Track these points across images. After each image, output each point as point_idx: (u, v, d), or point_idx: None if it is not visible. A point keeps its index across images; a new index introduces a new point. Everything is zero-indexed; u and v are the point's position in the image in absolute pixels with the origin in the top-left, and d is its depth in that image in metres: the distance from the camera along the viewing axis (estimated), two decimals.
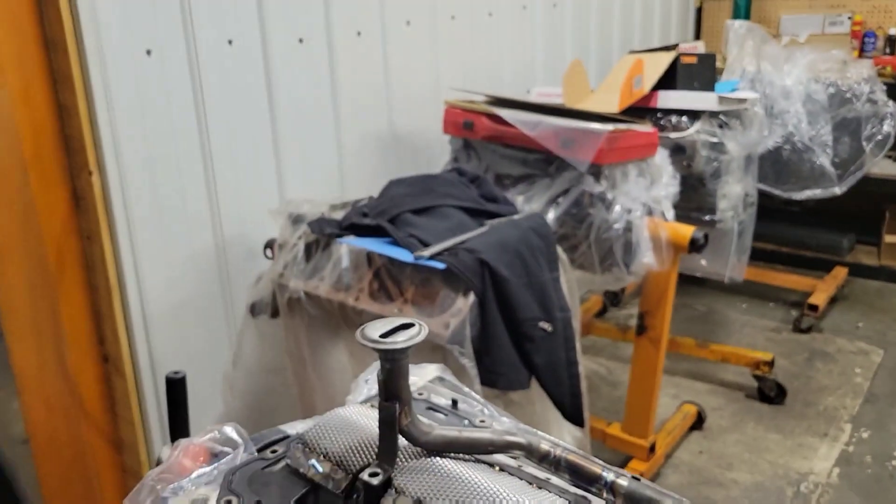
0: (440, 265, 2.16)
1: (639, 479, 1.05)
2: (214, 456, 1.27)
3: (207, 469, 1.21)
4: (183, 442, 1.25)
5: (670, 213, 3.10)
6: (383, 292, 2.31)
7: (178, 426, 1.52)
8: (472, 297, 2.15)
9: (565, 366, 2.24)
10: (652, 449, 3.26)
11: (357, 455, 1.11)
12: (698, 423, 3.65)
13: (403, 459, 1.10)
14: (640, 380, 3.23)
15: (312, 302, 2.42)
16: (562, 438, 2.36)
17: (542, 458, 1.10)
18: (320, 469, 1.11)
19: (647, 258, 2.97)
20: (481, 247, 2.21)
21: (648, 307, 3.18)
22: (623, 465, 3.21)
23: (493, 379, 2.16)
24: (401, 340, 1.03)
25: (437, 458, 1.10)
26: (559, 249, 2.45)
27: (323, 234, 2.43)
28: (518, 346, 2.20)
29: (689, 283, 4.91)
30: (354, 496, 1.07)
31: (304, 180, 3.11)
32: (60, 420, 2.63)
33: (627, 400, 3.29)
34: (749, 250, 3.67)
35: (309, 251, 2.50)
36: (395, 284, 2.30)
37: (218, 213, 2.80)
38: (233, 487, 1.10)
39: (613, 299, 4.88)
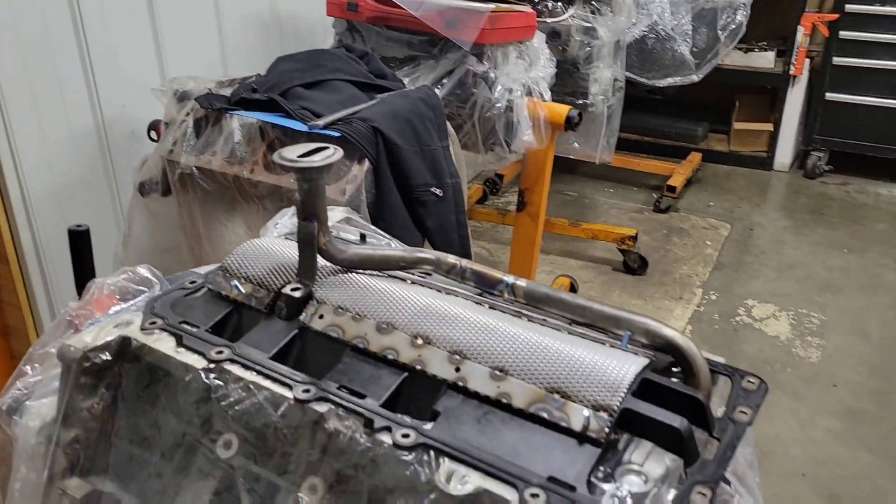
0: (335, 133, 2.22)
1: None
2: (130, 297, 1.32)
3: (125, 305, 1.27)
4: (97, 282, 1.30)
5: (548, 94, 3.25)
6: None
7: (85, 279, 1.55)
8: (366, 164, 2.23)
9: (455, 228, 2.39)
10: None
11: (277, 276, 1.21)
12: (571, 292, 3.94)
13: (322, 277, 1.20)
14: (521, 253, 3.45)
15: (205, 177, 2.42)
16: None
17: (449, 270, 1.24)
18: (242, 290, 1.19)
19: (527, 136, 3.13)
20: (374, 116, 2.28)
21: (528, 184, 3.37)
22: None
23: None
24: (318, 159, 1.11)
25: (354, 274, 1.21)
26: (448, 124, 2.56)
27: (213, 109, 2.42)
28: (411, 211, 2.32)
29: (561, 171, 5.18)
30: (277, 312, 1.17)
31: (185, 62, 3.04)
32: None
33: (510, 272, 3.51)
34: (617, 133, 3.91)
35: (198, 127, 2.48)
36: None
37: (96, 94, 2.71)
38: (156, 311, 1.17)
39: (493, 188, 5.09)
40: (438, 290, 1.21)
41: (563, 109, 3.12)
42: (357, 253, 1.21)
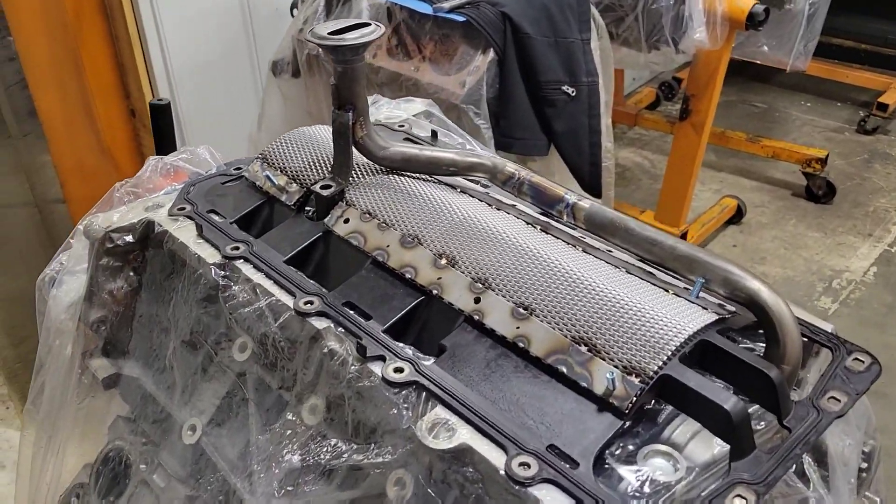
0: (459, 18, 2.03)
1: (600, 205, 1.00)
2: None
3: (179, 186, 1.20)
4: (153, 159, 1.24)
5: None
6: (402, 49, 2.21)
7: (165, 152, 1.52)
8: (491, 54, 2.03)
9: (587, 134, 2.15)
10: (682, 238, 3.20)
11: (314, 170, 1.08)
12: (737, 217, 3.56)
13: (360, 175, 1.07)
14: (678, 167, 3.11)
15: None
16: None
17: (506, 181, 1.06)
18: (275, 181, 1.08)
19: (698, 34, 2.74)
20: (505, 0, 2.05)
21: (695, 90, 2.99)
22: None
23: (509, 143, 2.09)
24: (351, 37, 0.95)
25: (395, 176, 1.06)
26: (595, 12, 2.27)
27: None
28: (538, 110, 2.11)
29: (751, 78, 4.62)
30: (307, 210, 1.05)
31: None
32: (94, 181, 2.69)
33: (663, 187, 3.20)
34: (818, 36, 3.36)
35: (329, 5, 2.37)
36: (414, 41, 2.19)
37: None
38: (189, 197, 1.09)
39: (668, 92, 4.63)
40: (488, 205, 1.04)
41: (746, 4, 2.68)
42: (400, 151, 1.06)
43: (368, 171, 1.07)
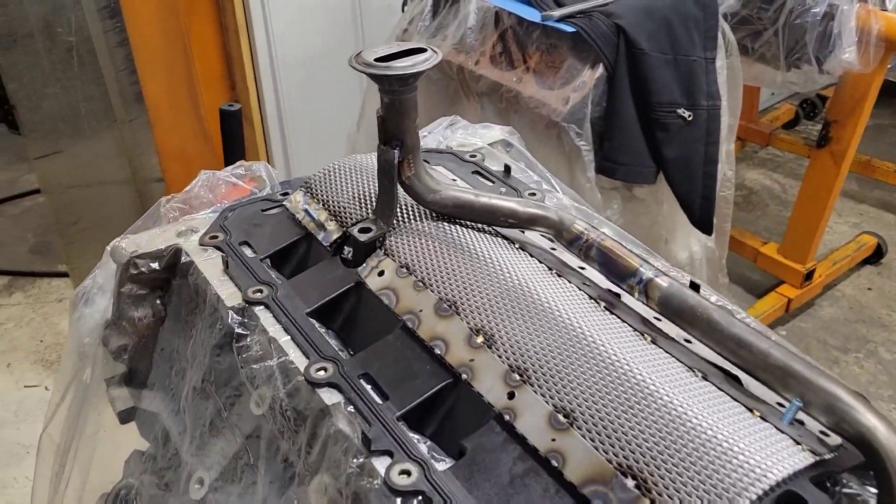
0: (568, 28, 1.86)
1: (695, 286, 0.82)
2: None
3: (227, 204, 1.11)
4: (204, 174, 1.16)
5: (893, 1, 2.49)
6: (506, 57, 2.06)
7: (235, 158, 1.45)
8: (600, 70, 1.85)
9: (702, 163, 1.92)
10: (809, 276, 2.89)
11: (358, 207, 0.96)
12: (876, 256, 3.19)
13: (405, 219, 0.93)
14: (811, 197, 2.80)
15: None
16: (688, 246, 2.10)
17: (572, 241, 0.89)
18: (315, 217, 0.97)
19: (847, 54, 2.43)
20: (621, 11, 1.86)
21: (838, 116, 2.68)
22: (771, 289, 2.89)
23: (612, 168, 1.90)
24: (401, 66, 0.82)
25: (444, 224, 0.92)
26: (726, 27, 2.04)
27: None
28: (648, 134, 1.90)
29: None
30: (347, 251, 0.93)
31: None
32: (194, 166, 2.71)
33: (792, 217, 2.89)
34: None
35: (437, 6, 2.25)
36: (519, 50, 2.03)
37: None
38: (224, 224, 0.99)
39: (810, 111, 4.24)
40: (549, 268, 0.88)
41: None
42: (452, 196, 0.91)
43: (416, 215, 0.94)
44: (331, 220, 0.96)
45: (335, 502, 0.72)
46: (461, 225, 0.92)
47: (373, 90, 2.47)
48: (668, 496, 0.62)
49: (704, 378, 0.74)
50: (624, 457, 0.65)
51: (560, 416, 0.70)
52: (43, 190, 2.53)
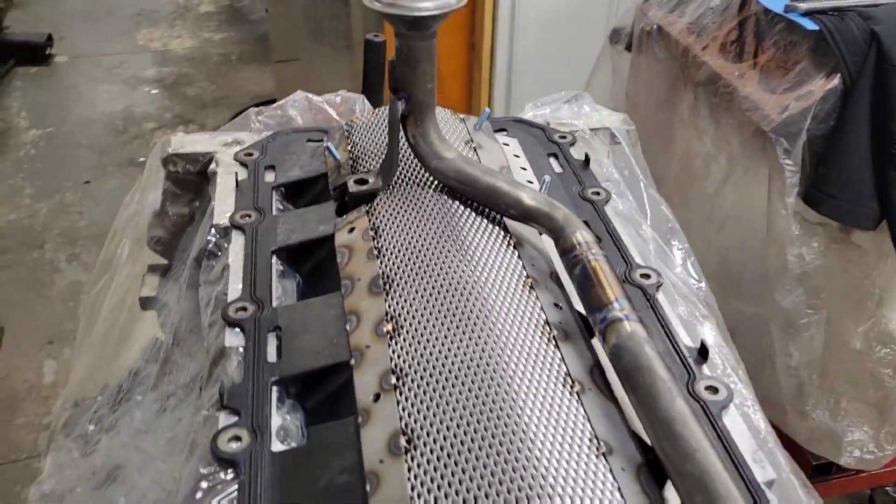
0: (810, 25, 1.55)
1: (704, 350, 0.65)
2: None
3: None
4: (300, 94, 1.15)
5: None
6: (737, 48, 1.78)
7: (373, 89, 1.42)
8: (835, 81, 1.52)
9: None
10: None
11: (372, 158, 0.89)
12: None
13: (404, 180, 0.84)
14: None
15: (662, 40, 1.99)
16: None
17: (565, 252, 0.74)
18: (337, 157, 0.91)
19: None
20: (884, 15, 1.51)
21: None
22: None
23: (820, 199, 1.58)
24: (409, 4, 0.72)
25: (443, 196, 0.82)
26: None
27: None
28: (879, 169, 1.55)
29: None
30: (336, 199, 0.87)
31: None
32: None
33: None
34: None
35: None
36: (755, 41, 1.75)
37: None
38: (266, 145, 0.98)
39: None
40: (524, 278, 0.73)
41: None
42: (456, 167, 0.80)
43: (419, 180, 0.84)
44: (349, 164, 0.90)
45: (181, 442, 0.69)
46: (462, 202, 0.81)
47: (604, 59, 2.31)
48: None
49: (600, 455, 0.57)
50: None
51: (402, 440, 0.58)
52: (276, 91, 2.74)
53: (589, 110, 1.10)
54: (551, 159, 0.97)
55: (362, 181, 0.84)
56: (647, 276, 0.79)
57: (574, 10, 2.52)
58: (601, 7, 2.54)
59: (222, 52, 4.17)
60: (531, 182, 0.91)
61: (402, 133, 0.81)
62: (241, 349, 0.71)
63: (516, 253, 0.76)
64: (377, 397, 0.63)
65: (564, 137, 1.01)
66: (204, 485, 0.61)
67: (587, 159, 0.97)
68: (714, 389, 0.67)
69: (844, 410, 1.75)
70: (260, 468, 0.60)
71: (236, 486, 0.60)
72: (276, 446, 0.63)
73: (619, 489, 0.55)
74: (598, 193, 0.91)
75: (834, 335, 1.72)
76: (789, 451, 0.72)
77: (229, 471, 0.61)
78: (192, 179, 1.00)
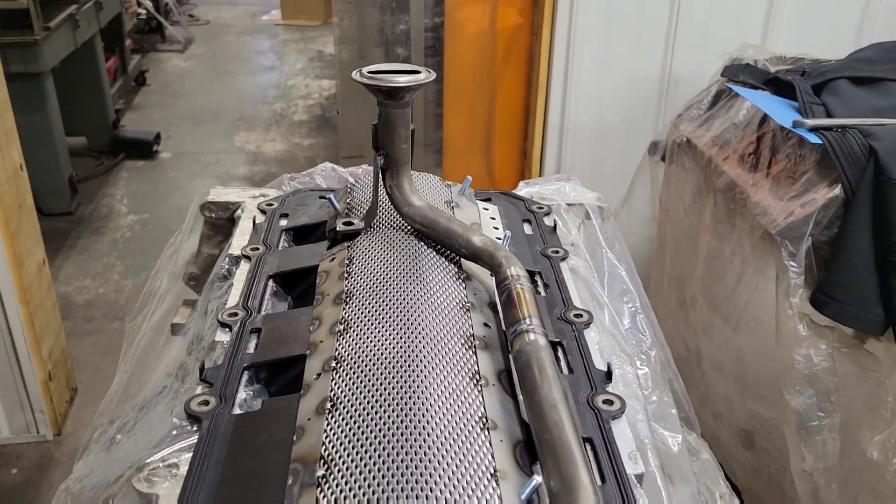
0: (815, 139, 1.67)
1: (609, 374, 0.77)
2: None
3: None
4: (327, 165, 1.34)
5: None
6: (754, 158, 1.90)
7: None
8: (836, 191, 1.62)
9: None
10: None
11: (364, 207, 1.05)
12: None
13: (382, 224, 1.01)
14: None
15: (690, 151, 2.13)
16: None
17: (499, 283, 0.88)
18: (336, 206, 1.08)
19: None
20: (881, 133, 1.61)
21: None
22: None
23: (824, 301, 1.64)
24: (386, 79, 0.90)
25: (412, 238, 0.97)
26: None
27: (731, 80, 2.08)
28: (882, 276, 1.61)
29: None
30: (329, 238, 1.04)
31: (799, 32, 2.63)
32: None
33: None
34: None
35: (717, 98, 2.17)
36: (770, 153, 1.87)
37: (672, 43, 2.60)
38: (285, 198, 1.16)
39: None
40: (463, 301, 0.87)
41: None
42: (422, 213, 0.95)
43: (391, 223, 1.00)
44: (345, 213, 1.07)
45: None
46: (425, 243, 0.96)
47: (643, 169, 2.46)
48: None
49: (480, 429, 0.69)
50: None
51: (327, 405, 0.71)
52: None
53: (569, 190, 1.25)
54: (525, 224, 1.12)
55: (349, 223, 1.00)
56: (580, 316, 0.91)
57: (621, 122, 2.69)
58: (647, 121, 2.71)
59: (309, 155, 4.54)
60: (499, 238, 1.05)
61: (381, 184, 0.97)
62: (225, 343, 0.87)
63: (463, 284, 0.90)
64: (318, 376, 0.77)
65: (541, 208, 1.16)
66: (174, 432, 0.75)
67: (555, 226, 1.11)
68: (609, 402, 0.77)
69: None
70: (220, 425, 0.74)
71: (197, 435, 0.74)
72: (237, 411, 0.77)
73: (491, 453, 0.66)
74: (556, 252, 1.04)
75: (851, 443, 1.72)
76: None
77: (194, 426, 0.75)
78: (223, 224, 1.19)
